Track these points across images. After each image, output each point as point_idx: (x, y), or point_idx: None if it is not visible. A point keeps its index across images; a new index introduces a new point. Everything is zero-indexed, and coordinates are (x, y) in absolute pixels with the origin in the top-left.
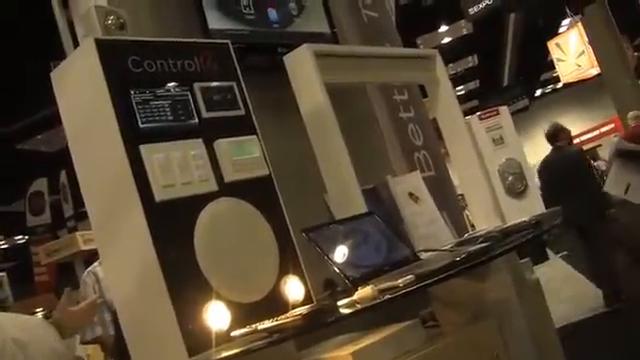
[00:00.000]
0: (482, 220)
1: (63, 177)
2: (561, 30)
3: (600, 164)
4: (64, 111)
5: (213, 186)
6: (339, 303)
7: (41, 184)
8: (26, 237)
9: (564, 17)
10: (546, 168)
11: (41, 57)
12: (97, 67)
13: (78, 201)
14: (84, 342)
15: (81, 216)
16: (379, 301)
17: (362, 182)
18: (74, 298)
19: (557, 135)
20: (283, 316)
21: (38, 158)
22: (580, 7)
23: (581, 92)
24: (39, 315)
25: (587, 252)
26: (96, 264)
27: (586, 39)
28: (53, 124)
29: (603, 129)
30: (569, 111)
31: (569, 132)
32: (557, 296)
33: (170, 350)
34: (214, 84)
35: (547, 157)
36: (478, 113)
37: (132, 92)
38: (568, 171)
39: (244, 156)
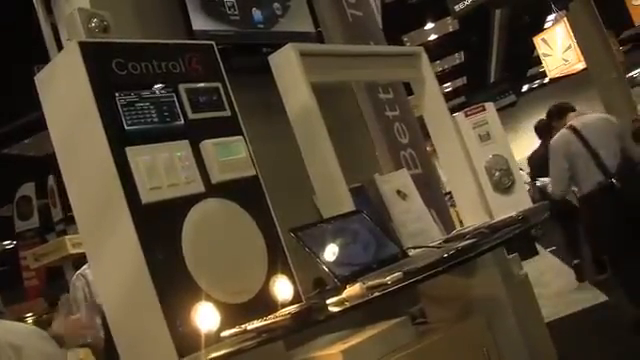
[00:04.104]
0: (470, 216)
1: (51, 181)
2: (546, 26)
3: None
4: (49, 114)
5: (200, 187)
6: (328, 302)
7: (29, 188)
8: (14, 242)
9: (549, 12)
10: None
11: (28, 60)
12: (81, 70)
13: (67, 205)
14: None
15: (70, 220)
16: (368, 299)
17: (349, 181)
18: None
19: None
20: (272, 316)
21: (26, 162)
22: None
23: (568, 87)
24: (29, 320)
25: None
26: (86, 267)
27: (571, 33)
28: (40, 128)
29: None
30: None
31: None
32: (548, 290)
33: (160, 352)
34: (199, 85)
35: None
36: (465, 109)
37: (117, 94)
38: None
39: (230, 157)
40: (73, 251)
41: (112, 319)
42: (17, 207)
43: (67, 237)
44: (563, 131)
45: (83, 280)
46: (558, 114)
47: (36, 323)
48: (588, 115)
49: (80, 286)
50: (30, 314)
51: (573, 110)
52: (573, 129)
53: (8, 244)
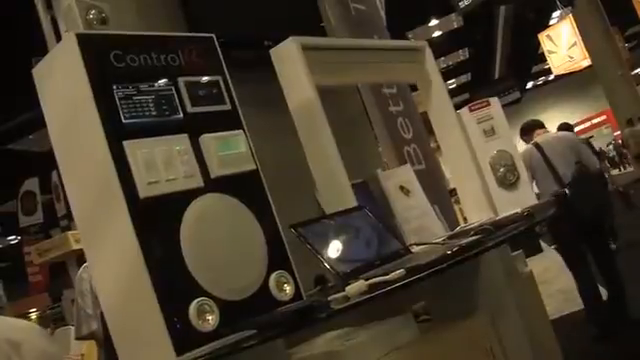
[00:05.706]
0: (474, 213)
1: (55, 177)
2: (552, 22)
3: None
4: (46, 107)
5: (199, 182)
6: (329, 299)
7: (32, 184)
8: (19, 237)
9: (554, 9)
10: None
11: (30, 56)
12: (78, 62)
13: None
14: (79, 337)
15: None
16: (370, 296)
17: (352, 176)
18: None
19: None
20: (272, 313)
21: (29, 158)
22: None
23: (573, 84)
24: (33, 315)
25: None
26: None
27: (576, 30)
28: (44, 124)
29: (595, 120)
30: (561, 103)
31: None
32: (551, 287)
33: (157, 350)
34: (199, 78)
35: None
36: (469, 104)
37: (115, 87)
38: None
39: (230, 151)
40: (76, 247)
41: (109, 315)
42: (21, 202)
43: (70, 233)
44: (528, 146)
45: (90, 273)
46: (527, 131)
47: (40, 318)
48: (550, 133)
49: (87, 278)
50: (34, 309)
51: (541, 127)
52: (536, 145)
53: (12, 239)
